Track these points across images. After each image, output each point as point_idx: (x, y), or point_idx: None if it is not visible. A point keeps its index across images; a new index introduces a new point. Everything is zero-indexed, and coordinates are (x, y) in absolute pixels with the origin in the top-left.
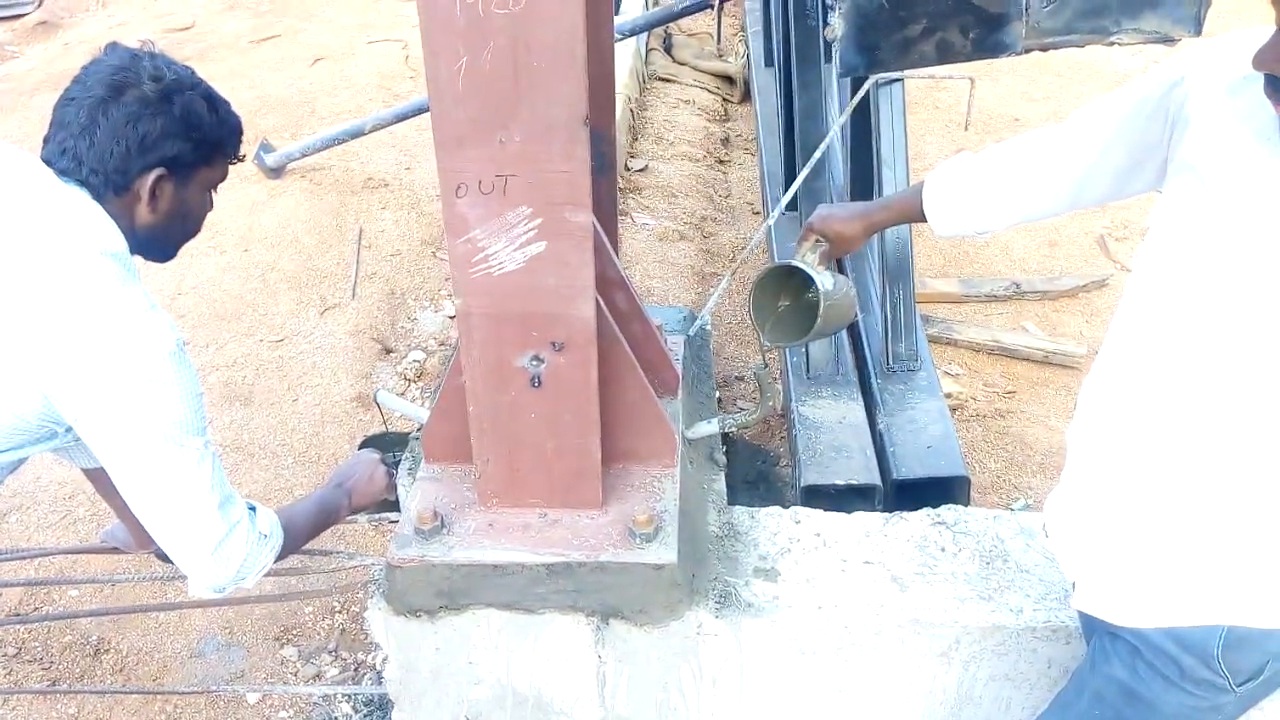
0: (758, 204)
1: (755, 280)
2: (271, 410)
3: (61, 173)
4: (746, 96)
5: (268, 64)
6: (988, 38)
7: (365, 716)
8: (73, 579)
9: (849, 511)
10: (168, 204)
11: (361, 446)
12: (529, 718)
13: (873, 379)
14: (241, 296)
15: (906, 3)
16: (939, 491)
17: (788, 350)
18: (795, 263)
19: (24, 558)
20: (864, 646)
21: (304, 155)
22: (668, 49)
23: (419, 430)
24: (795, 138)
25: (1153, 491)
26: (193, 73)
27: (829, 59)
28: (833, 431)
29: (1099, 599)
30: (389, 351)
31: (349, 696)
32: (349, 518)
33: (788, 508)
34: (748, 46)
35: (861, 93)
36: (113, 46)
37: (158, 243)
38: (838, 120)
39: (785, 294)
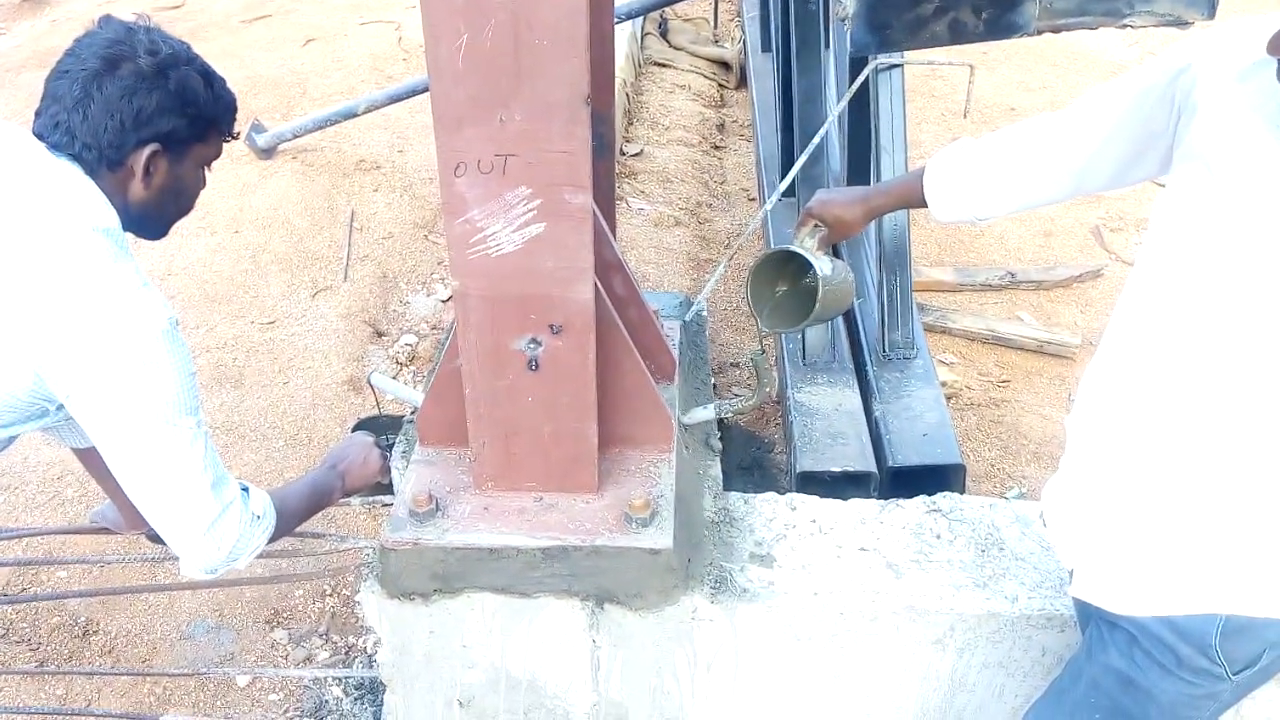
0: (753, 190)
1: (753, 265)
2: (262, 392)
3: (54, 147)
4: (742, 82)
5: (259, 44)
6: (1000, 18)
7: (356, 700)
8: (62, 559)
9: (844, 498)
10: (162, 180)
11: (355, 429)
12: (522, 701)
13: (869, 366)
14: (232, 278)
15: None
16: (934, 479)
17: (784, 336)
18: (793, 247)
19: (12, 537)
20: (859, 633)
21: (296, 136)
22: (664, 34)
23: (412, 414)
24: (794, 123)
25: (1152, 480)
26: (188, 48)
27: (829, 44)
28: (828, 418)
29: (1097, 587)
30: (381, 335)
31: (339, 680)
32: (342, 500)
33: (783, 494)
34: (744, 31)
35: (862, 77)
36: (107, 19)
37: (151, 220)
38: (837, 105)
39: (783, 279)
